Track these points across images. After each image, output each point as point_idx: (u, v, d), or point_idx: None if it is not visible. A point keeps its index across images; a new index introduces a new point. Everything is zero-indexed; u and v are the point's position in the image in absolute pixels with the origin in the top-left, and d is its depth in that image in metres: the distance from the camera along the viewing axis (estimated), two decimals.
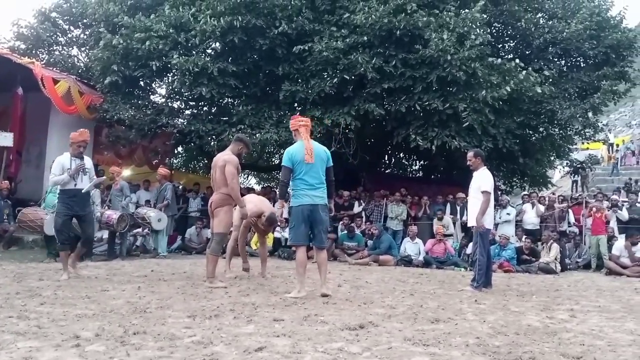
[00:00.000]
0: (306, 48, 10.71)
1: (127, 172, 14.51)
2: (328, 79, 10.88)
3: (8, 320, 3.64)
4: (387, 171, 17.57)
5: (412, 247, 10.82)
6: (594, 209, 10.87)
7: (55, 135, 12.63)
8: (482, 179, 6.44)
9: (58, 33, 15.81)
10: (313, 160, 5.23)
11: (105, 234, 9.98)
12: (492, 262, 9.78)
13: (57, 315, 3.88)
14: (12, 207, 10.54)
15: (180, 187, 13.97)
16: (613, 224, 11.30)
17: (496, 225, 11.47)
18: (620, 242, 9.95)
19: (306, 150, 5.23)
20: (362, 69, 10.37)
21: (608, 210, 11.43)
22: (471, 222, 6.60)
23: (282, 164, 5.43)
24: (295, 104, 12.01)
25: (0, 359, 2.68)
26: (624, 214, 11.34)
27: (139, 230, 10.36)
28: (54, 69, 13.50)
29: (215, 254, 5.92)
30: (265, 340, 3.23)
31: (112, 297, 4.84)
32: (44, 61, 14.51)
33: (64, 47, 16.28)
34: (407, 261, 10.38)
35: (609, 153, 26.41)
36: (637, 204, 11.52)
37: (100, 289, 5.32)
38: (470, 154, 6.68)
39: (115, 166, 11.10)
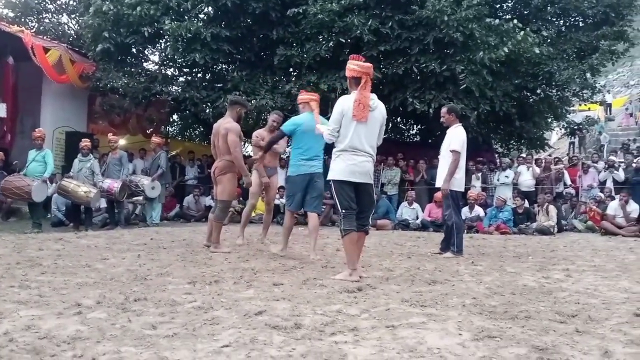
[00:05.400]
0: (300, 11, 10.52)
1: (121, 142, 14.45)
2: (323, 42, 10.73)
3: (10, 289, 3.66)
4: (384, 136, 17.48)
5: (409, 211, 10.89)
6: (590, 207, 10.60)
7: (49, 105, 12.53)
8: (453, 137, 5.98)
9: (47, 0, 15.46)
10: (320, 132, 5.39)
11: (103, 203, 10.01)
12: (490, 225, 9.94)
13: (58, 284, 3.91)
14: None
15: (173, 155, 13.90)
16: (609, 184, 11.36)
17: (494, 187, 11.55)
18: (615, 202, 10.00)
19: (317, 123, 5.28)
20: (358, 32, 10.21)
21: (605, 171, 11.53)
22: (439, 184, 6.13)
23: (282, 127, 5.58)
24: (290, 69, 11.86)
25: (4, 328, 2.71)
26: (620, 175, 11.39)
27: (140, 198, 10.29)
28: (44, 37, 13.29)
29: (219, 220, 6.00)
30: (265, 304, 3.27)
31: (112, 265, 4.87)
32: (34, 29, 14.27)
33: (54, 15, 15.98)
34: (404, 225, 10.45)
35: (606, 114, 26.29)
36: (633, 165, 11.55)
37: (100, 257, 5.35)
38: (443, 110, 6.28)
39: (112, 135, 11.03)
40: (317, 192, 5.55)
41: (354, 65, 4.27)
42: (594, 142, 20.70)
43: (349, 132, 4.23)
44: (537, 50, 10.33)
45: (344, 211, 4.23)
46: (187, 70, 13.27)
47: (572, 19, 13.40)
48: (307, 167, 5.47)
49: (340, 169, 4.25)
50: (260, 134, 6.41)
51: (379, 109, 4.37)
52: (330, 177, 4.33)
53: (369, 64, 4.32)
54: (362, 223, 4.34)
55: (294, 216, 5.73)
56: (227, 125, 5.85)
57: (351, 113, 4.19)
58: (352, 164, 4.22)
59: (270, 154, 6.37)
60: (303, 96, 5.74)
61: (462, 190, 6.43)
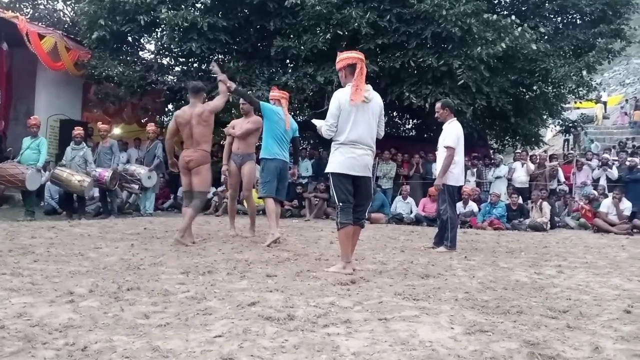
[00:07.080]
0: (298, 2, 10.45)
1: (116, 131, 14.36)
2: (321, 34, 10.67)
3: (1, 277, 3.65)
4: None
5: (403, 205, 10.90)
6: (582, 205, 10.56)
7: (43, 92, 12.44)
8: (447, 133, 5.95)
9: None
10: (289, 128, 6.08)
11: (96, 192, 9.96)
12: (484, 220, 9.98)
13: (51, 272, 3.90)
14: None
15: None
16: (603, 182, 11.40)
17: (489, 183, 11.58)
18: (608, 199, 10.04)
19: (287, 119, 6.07)
20: (356, 24, 10.17)
21: (598, 169, 11.56)
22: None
23: (264, 103, 6.11)
24: (287, 61, 11.78)
25: None
26: (614, 173, 11.43)
27: (135, 186, 10.14)
28: (39, 23, 13.16)
29: (198, 211, 5.93)
30: (258, 295, 3.27)
31: (105, 254, 4.86)
32: (29, 15, 14.15)
33: (49, 1, 15.84)
34: (398, 219, 10.48)
35: (603, 112, 26.34)
36: (626, 163, 11.59)
37: (93, 246, 5.34)
38: (437, 105, 6.25)
39: (104, 124, 10.97)
40: (285, 181, 6.17)
41: (347, 54, 4.28)
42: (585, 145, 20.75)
43: (348, 124, 4.20)
44: (534, 47, 10.32)
45: (341, 204, 4.22)
46: (183, 59, 13.19)
47: (570, 16, 13.40)
48: (282, 155, 5.99)
49: (339, 161, 4.23)
50: (234, 123, 6.60)
51: (375, 100, 4.35)
52: (328, 169, 4.32)
53: (360, 53, 4.36)
54: (359, 217, 4.33)
55: (274, 200, 5.96)
56: (199, 110, 5.65)
57: (349, 104, 4.17)
58: (351, 157, 4.20)
59: (241, 141, 6.38)
60: (275, 93, 6.25)
61: (461, 184, 6.46)
